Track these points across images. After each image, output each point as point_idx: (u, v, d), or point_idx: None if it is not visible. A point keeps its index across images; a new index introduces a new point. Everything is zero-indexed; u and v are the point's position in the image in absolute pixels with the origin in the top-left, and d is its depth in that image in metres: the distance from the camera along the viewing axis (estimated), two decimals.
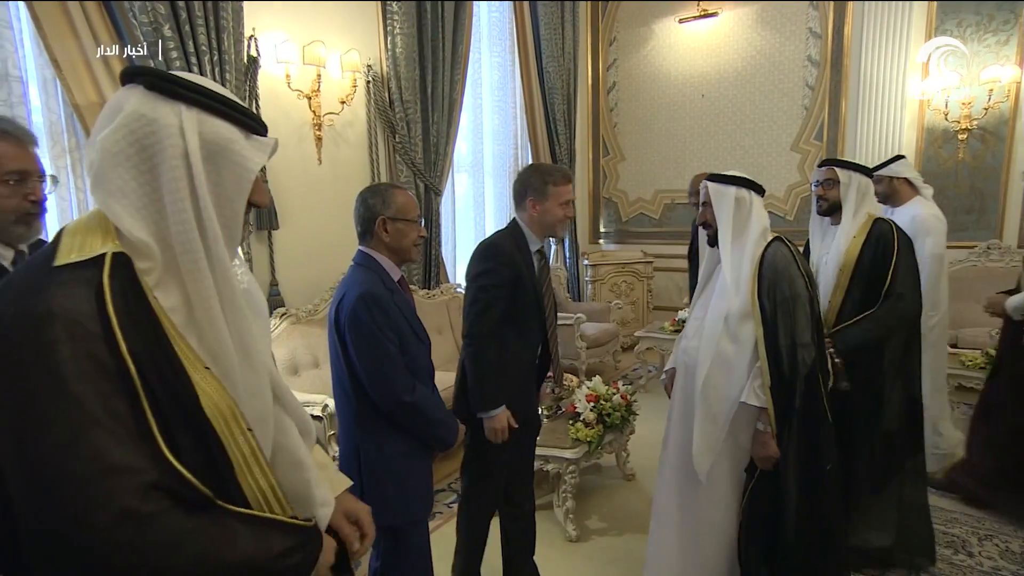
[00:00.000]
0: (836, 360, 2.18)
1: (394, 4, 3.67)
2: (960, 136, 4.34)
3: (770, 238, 1.93)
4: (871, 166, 3.68)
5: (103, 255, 0.81)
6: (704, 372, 1.88)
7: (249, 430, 0.89)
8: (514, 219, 1.98)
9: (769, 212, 5.09)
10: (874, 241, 2.31)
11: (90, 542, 0.76)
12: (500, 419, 1.83)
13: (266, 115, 3.18)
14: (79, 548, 0.76)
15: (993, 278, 4.17)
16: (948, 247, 3.89)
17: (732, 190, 1.93)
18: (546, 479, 2.74)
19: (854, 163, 2.43)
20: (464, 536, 2.08)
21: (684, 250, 3.82)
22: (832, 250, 2.38)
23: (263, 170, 1.09)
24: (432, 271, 4.08)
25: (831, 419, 1.88)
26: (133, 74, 0.87)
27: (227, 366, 0.89)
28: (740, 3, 5.08)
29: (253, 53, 3.13)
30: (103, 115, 0.87)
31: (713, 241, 1.99)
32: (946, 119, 4.38)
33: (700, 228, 2.02)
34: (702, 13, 5.11)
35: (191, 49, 2.76)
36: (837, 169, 2.38)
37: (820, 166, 2.46)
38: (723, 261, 1.90)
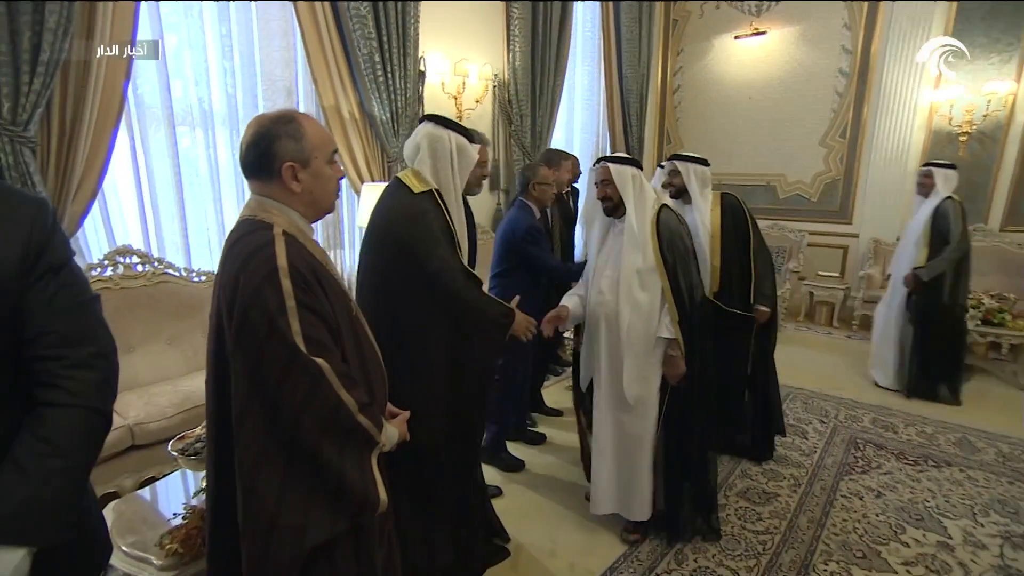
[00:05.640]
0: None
1: (516, 31, 4.60)
2: (961, 138, 4.84)
3: (658, 206, 2.10)
4: (889, 162, 4.31)
5: (431, 190, 1.75)
6: (626, 320, 2.04)
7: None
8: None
9: (796, 195, 5.94)
10: (729, 211, 2.63)
11: (447, 291, 1.70)
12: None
13: (429, 111, 4.26)
14: (441, 299, 1.70)
15: (977, 254, 4.80)
16: None
17: (630, 170, 2.07)
18: None
19: (690, 155, 2.66)
20: None
21: None
22: (697, 225, 2.60)
23: None
24: None
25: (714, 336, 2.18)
26: (430, 117, 1.83)
27: (460, 241, 1.78)
28: (786, 25, 5.60)
29: (422, 68, 4.17)
30: (417, 131, 1.82)
31: (612, 212, 2.14)
32: (950, 124, 4.88)
33: (600, 202, 2.15)
34: (754, 31, 5.68)
35: (388, 68, 3.82)
36: (677, 162, 2.66)
37: (668, 160, 2.71)
38: (632, 226, 2.04)
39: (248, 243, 1.10)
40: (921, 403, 3.70)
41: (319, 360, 1.05)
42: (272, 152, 1.12)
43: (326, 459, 1.06)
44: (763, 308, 2.68)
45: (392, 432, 1.25)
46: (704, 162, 2.67)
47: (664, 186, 2.74)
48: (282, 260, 1.06)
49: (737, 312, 2.65)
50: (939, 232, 3.55)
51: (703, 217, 2.61)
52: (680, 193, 2.69)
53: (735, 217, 2.65)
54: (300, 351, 1.03)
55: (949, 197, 3.61)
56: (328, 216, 3.81)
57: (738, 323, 2.66)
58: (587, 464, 2.52)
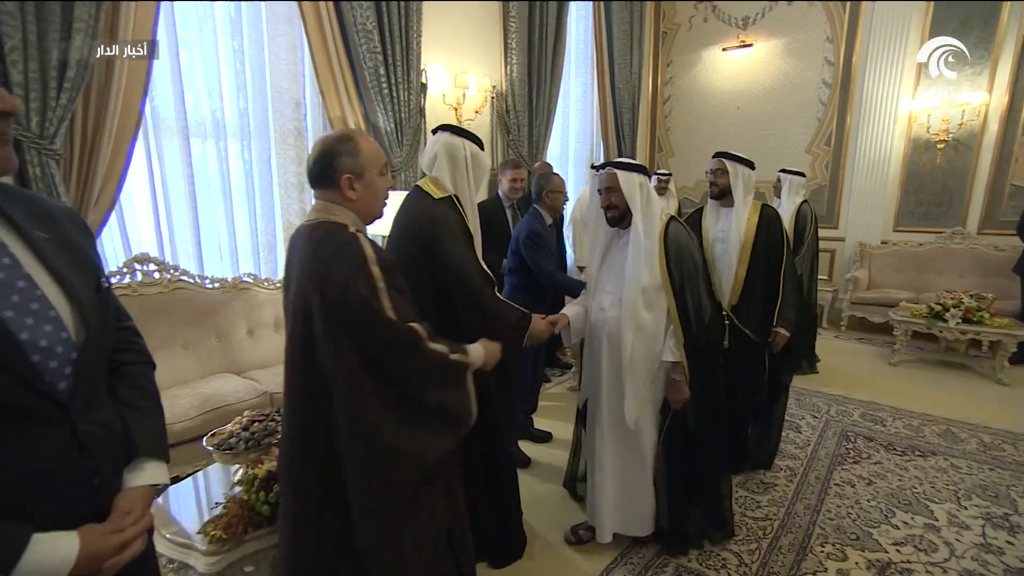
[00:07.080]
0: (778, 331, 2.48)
1: (513, 44, 4.76)
2: (938, 146, 5.07)
3: (666, 218, 1.95)
4: (872, 169, 4.46)
5: (450, 195, 1.84)
6: (629, 342, 1.90)
7: None
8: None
9: None
10: (766, 222, 2.47)
11: (464, 288, 1.78)
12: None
13: (430, 121, 4.35)
14: (460, 297, 1.78)
15: (956, 256, 5.03)
16: (923, 231, 5.16)
17: (638, 177, 1.90)
18: None
19: (739, 156, 2.47)
20: None
21: None
22: (731, 230, 2.46)
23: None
24: None
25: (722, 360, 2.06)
26: (444, 127, 1.92)
27: (476, 242, 1.88)
28: (771, 37, 5.80)
29: (424, 81, 4.28)
30: (435, 141, 1.90)
31: (617, 222, 1.97)
32: (928, 132, 5.11)
33: (604, 211, 1.98)
34: (741, 44, 5.89)
35: (393, 81, 3.94)
36: (725, 161, 2.46)
37: (713, 157, 2.50)
38: (640, 239, 1.88)
39: (333, 241, 1.28)
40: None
41: (411, 325, 1.27)
42: (334, 167, 1.34)
43: (432, 401, 1.30)
44: (782, 331, 2.50)
45: (477, 350, 1.46)
46: (751, 165, 2.51)
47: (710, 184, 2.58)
48: (368, 252, 1.26)
49: (748, 335, 2.47)
50: (798, 232, 4.01)
51: (740, 223, 2.45)
52: (723, 194, 2.51)
53: (770, 231, 2.49)
54: (395, 322, 1.24)
55: (805, 201, 4.10)
56: None
57: (748, 345, 2.47)
58: (572, 486, 2.56)
